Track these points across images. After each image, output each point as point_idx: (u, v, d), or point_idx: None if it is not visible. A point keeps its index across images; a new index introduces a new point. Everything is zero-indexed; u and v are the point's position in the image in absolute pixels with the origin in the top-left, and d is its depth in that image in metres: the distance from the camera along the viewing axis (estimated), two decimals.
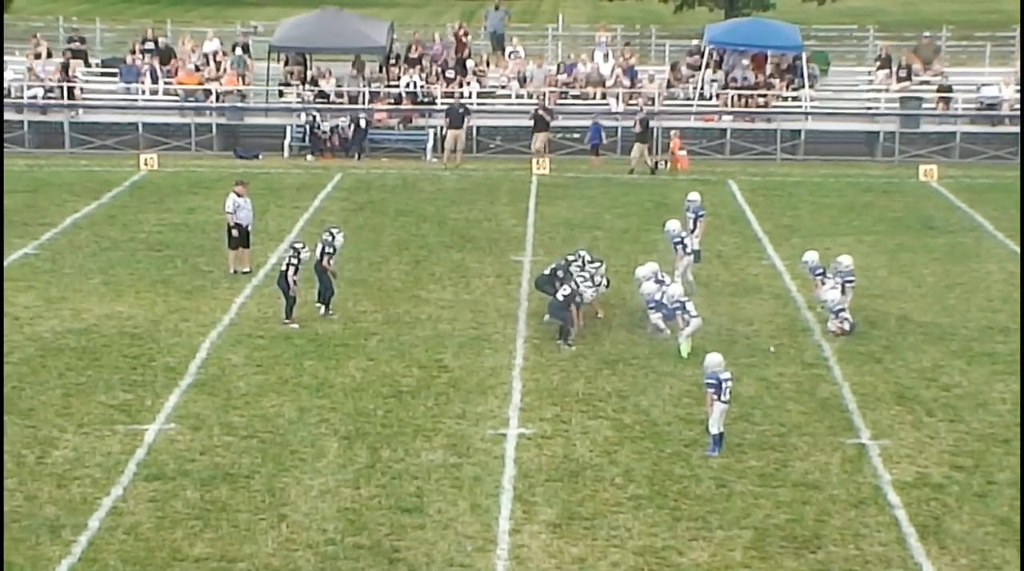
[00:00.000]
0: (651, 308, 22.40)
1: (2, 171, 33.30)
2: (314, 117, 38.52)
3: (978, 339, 22.46)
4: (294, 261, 22.98)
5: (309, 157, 38.22)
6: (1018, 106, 38.94)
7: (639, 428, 18.75)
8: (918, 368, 21.24)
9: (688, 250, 24.74)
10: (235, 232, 25.94)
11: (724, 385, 17.84)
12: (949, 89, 39.97)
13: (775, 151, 39.46)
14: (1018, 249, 28.39)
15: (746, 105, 40.02)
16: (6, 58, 41.21)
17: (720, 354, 18.29)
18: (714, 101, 40.22)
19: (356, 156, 38.13)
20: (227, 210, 26.11)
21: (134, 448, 17.80)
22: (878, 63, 41.69)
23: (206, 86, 40.06)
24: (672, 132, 38.08)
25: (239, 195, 26.08)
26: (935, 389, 20.36)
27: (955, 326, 23.21)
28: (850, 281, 23.14)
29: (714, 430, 17.92)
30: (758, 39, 41.06)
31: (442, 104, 38.98)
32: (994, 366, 21.29)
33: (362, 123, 38.43)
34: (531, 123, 38.01)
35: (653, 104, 38.99)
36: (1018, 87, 39.37)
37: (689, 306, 21.78)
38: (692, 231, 26.08)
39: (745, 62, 40.74)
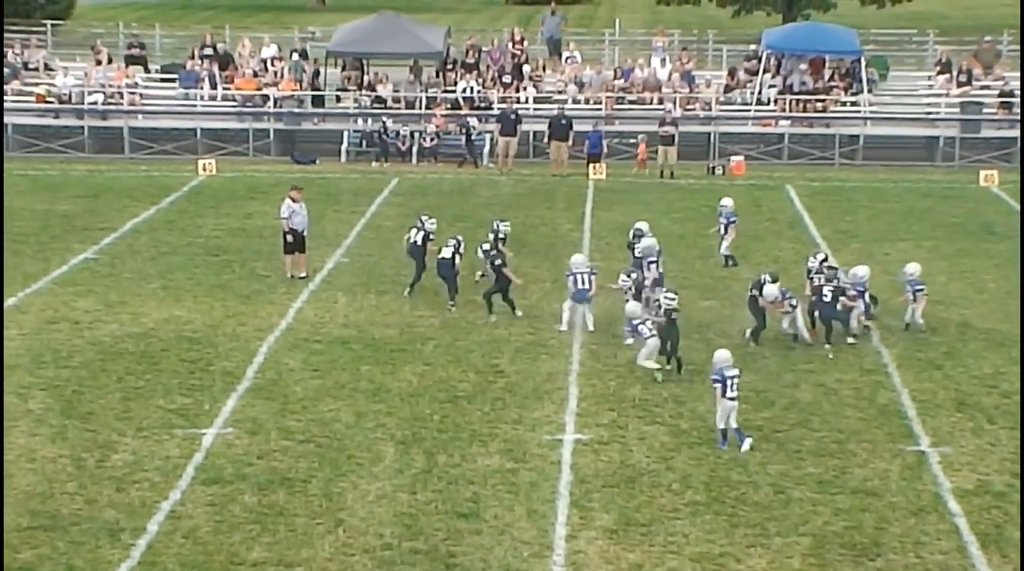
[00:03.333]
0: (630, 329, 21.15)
1: (1, 176, 33.60)
2: (384, 123, 38.59)
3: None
4: (460, 250, 24.27)
5: (374, 163, 38.26)
6: None
7: (696, 434, 18.68)
8: (979, 375, 21.02)
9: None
10: (290, 237, 26.07)
11: (729, 382, 17.93)
12: (1010, 94, 39.56)
13: (834, 156, 39.22)
14: None
15: (804, 110, 39.78)
16: (67, 64, 41.72)
17: (727, 351, 18.38)
18: (772, 106, 40.02)
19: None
20: (282, 215, 26.25)
21: (192, 452, 17.93)
22: (938, 68, 41.35)
23: (264, 92, 40.28)
24: (640, 137, 37.64)
25: (294, 200, 26.21)
26: (996, 396, 20.14)
27: (1016, 332, 22.93)
28: (920, 288, 22.97)
29: (720, 425, 18.02)
30: (816, 44, 40.82)
31: (497, 110, 39.01)
32: None
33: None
34: (548, 130, 37.41)
35: (673, 108, 38.53)
36: None
37: (643, 328, 20.80)
38: (723, 237, 26.53)
39: (803, 67, 40.51)
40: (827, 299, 22.32)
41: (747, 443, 18.07)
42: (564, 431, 18.76)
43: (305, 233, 26.35)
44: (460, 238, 24.91)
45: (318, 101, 40.72)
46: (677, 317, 20.69)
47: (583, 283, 23.04)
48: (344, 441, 18.34)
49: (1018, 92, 39.52)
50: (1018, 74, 41.25)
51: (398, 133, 38.70)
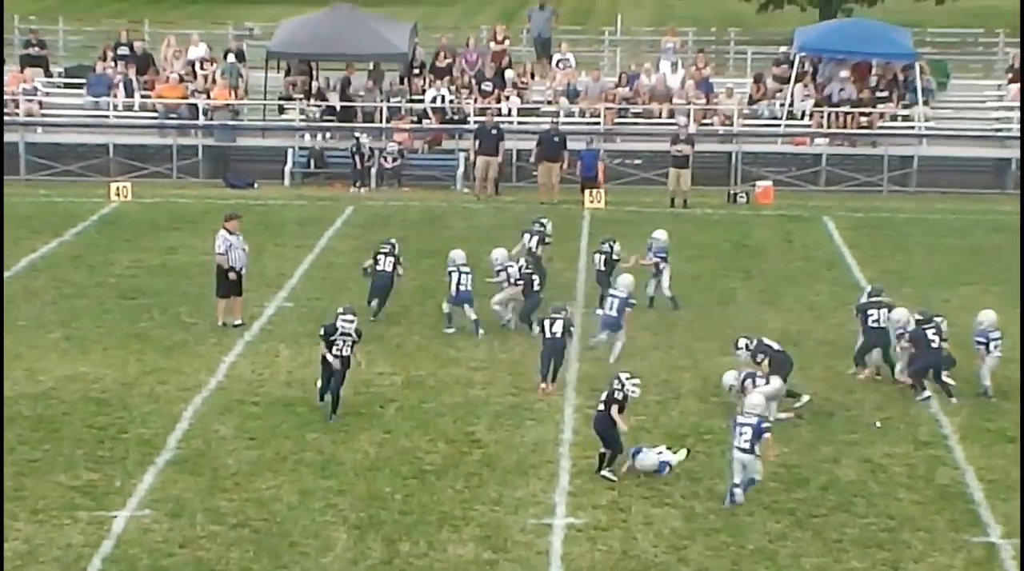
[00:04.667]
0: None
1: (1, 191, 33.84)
2: (357, 139, 38.72)
3: None
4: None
5: (360, 189, 38.33)
6: None
7: (714, 518, 18.68)
8: None
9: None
10: (231, 275, 26.11)
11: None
12: None
13: (882, 181, 39.46)
14: None
15: (845, 126, 40.05)
16: None
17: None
18: (806, 120, 40.29)
19: (361, 184, 38.41)
20: (218, 251, 26.28)
21: (100, 539, 17.86)
22: (1009, 75, 41.67)
23: (191, 101, 40.43)
24: (601, 152, 37.94)
25: (231, 232, 26.25)
26: None
27: None
28: (997, 341, 23.11)
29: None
30: (860, 45, 41.12)
31: (474, 123, 39.21)
32: None
33: (363, 150, 38.61)
34: (537, 148, 37.68)
35: (688, 122, 38.86)
36: None
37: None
38: (658, 275, 27.55)
39: (844, 73, 40.79)
40: (935, 345, 22.86)
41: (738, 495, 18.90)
42: (554, 514, 18.73)
43: (244, 272, 26.40)
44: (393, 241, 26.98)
45: (256, 112, 40.89)
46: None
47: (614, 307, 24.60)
48: (286, 525, 18.29)
49: None
50: None
51: (376, 151, 38.79)
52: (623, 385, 19.93)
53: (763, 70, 42.46)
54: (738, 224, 35.11)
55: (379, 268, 26.80)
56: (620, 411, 19.83)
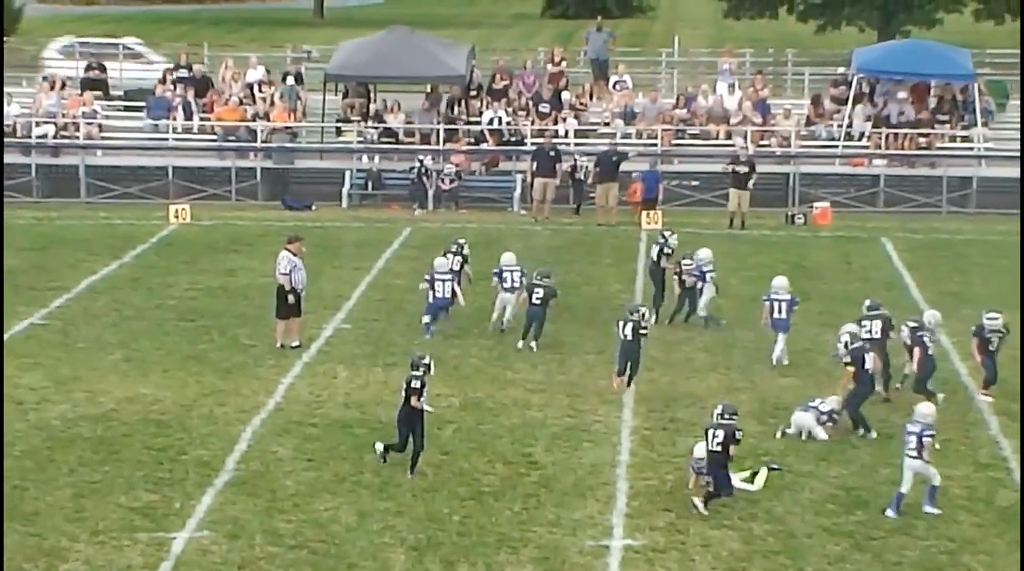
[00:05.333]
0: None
1: (1, 214, 34.05)
2: (421, 161, 38.88)
3: None
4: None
5: (417, 210, 38.55)
6: None
7: (772, 540, 18.63)
8: None
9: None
10: (291, 297, 26.23)
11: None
12: None
13: (940, 202, 39.28)
14: None
15: (904, 147, 39.91)
16: (11, 90, 42.16)
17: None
18: (864, 142, 40.17)
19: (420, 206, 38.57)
20: (282, 271, 26.35)
21: (159, 561, 17.96)
22: None
23: (250, 123, 40.69)
24: (634, 175, 37.84)
25: (294, 254, 26.40)
26: None
27: None
28: None
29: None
30: (919, 66, 40.99)
31: (532, 145, 39.28)
32: None
33: (426, 170, 38.74)
34: (596, 169, 37.76)
35: (746, 143, 38.81)
36: None
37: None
38: (699, 292, 27.81)
39: (903, 94, 40.66)
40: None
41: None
42: (611, 536, 18.71)
43: (303, 293, 26.52)
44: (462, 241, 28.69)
45: (314, 134, 41.10)
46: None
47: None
48: (344, 547, 18.34)
49: None
50: None
51: (435, 173, 38.90)
52: (734, 422, 19.45)
53: (821, 91, 42.36)
54: (796, 245, 35.00)
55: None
56: (736, 445, 19.38)
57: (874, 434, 22.16)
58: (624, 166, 37.82)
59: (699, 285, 27.77)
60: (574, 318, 28.34)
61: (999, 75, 44.24)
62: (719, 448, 19.31)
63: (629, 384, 24.06)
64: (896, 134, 39.94)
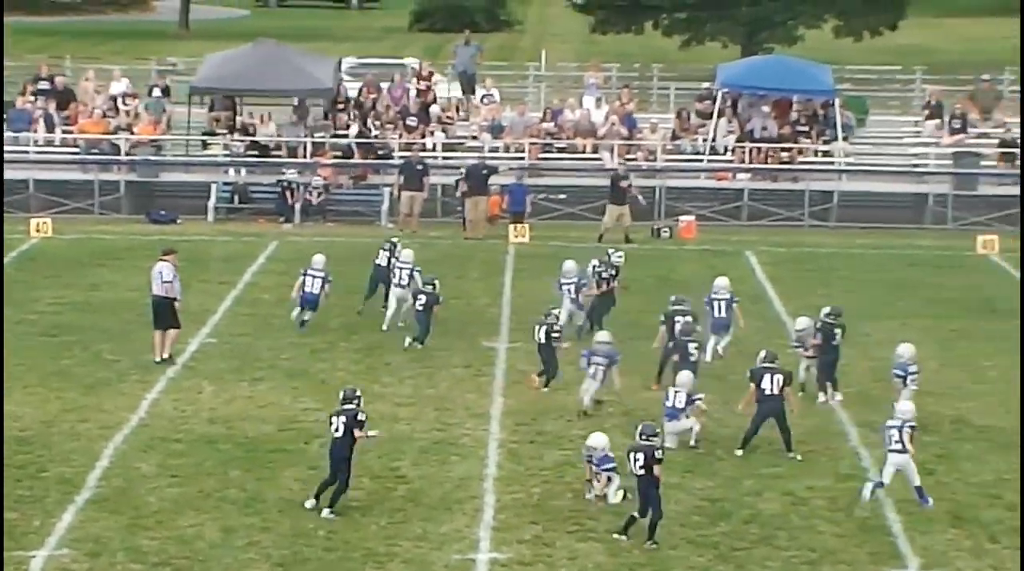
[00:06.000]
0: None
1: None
2: (285, 176, 38.59)
3: None
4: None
5: (284, 224, 38.25)
6: None
7: (637, 553, 18.70)
8: (978, 482, 21.30)
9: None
10: (178, 305, 26.18)
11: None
12: (1013, 143, 40.37)
13: (803, 216, 39.75)
14: None
15: (767, 161, 40.36)
16: None
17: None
18: (728, 156, 40.55)
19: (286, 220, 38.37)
20: (165, 279, 26.14)
21: None
22: (927, 111, 42.14)
23: (113, 136, 40.19)
24: (493, 187, 37.93)
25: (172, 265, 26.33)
26: (999, 508, 20.40)
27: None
28: (914, 374, 23.36)
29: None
30: (781, 81, 41.49)
31: (400, 158, 39.22)
32: None
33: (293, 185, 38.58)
34: (465, 183, 37.63)
35: (614, 158, 39.12)
36: None
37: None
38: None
39: (766, 109, 41.15)
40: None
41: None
42: (478, 549, 18.72)
43: (179, 305, 26.32)
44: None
45: (179, 147, 40.70)
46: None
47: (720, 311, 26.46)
48: (208, 563, 18.17)
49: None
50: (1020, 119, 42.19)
51: (302, 187, 38.66)
52: (654, 443, 19.29)
53: (686, 106, 42.73)
54: (662, 259, 35.22)
55: (377, 262, 29.37)
56: (660, 466, 19.12)
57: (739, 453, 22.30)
58: (493, 179, 37.90)
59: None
60: (443, 332, 28.26)
61: (859, 91, 44.95)
62: (642, 471, 19.11)
63: (546, 386, 24.80)
64: (759, 148, 40.38)
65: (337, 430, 19.88)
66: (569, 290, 27.99)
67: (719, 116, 40.85)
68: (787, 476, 21.33)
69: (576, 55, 60.52)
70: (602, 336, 24.43)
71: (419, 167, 38.05)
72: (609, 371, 23.83)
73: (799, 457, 22.00)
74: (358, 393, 20.38)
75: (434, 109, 41.56)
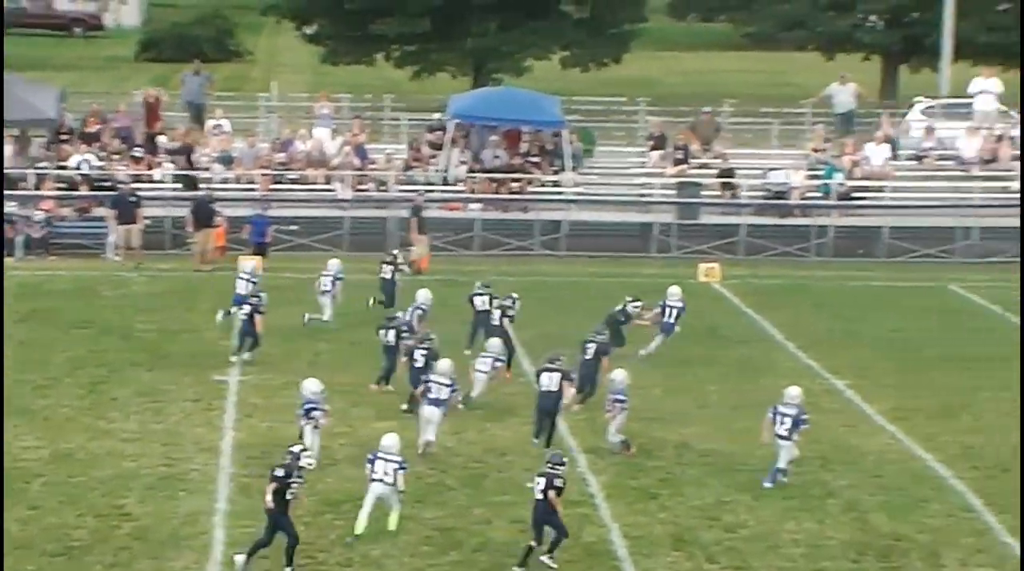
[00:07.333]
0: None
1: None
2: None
3: (767, 470, 23.14)
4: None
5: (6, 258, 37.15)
6: (808, 194, 41.00)
7: None
8: (699, 505, 21.82)
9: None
10: None
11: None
12: (732, 174, 41.52)
13: (533, 245, 40.20)
14: (812, 362, 29.67)
15: (498, 191, 40.78)
16: None
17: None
18: (460, 186, 40.86)
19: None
20: None
21: None
22: (651, 142, 43.09)
23: None
24: (217, 219, 37.86)
25: None
26: (718, 530, 20.95)
27: (742, 455, 23.91)
28: (621, 401, 23.72)
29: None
30: (511, 112, 42.05)
31: (116, 191, 38.42)
32: (785, 502, 22.05)
33: None
34: (193, 215, 37.40)
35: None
36: (808, 173, 41.35)
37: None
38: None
39: (496, 139, 41.59)
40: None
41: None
42: None
43: None
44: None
45: None
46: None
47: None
48: None
49: (743, 172, 41.48)
50: (741, 150, 43.41)
51: (23, 219, 37.63)
52: (559, 472, 19.55)
53: (418, 136, 42.93)
54: (400, 290, 35.17)
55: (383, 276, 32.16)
56: (558, 495, 19.42)
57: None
58: (236, 211, 37.59)
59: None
60: (171, 365, 27.98)
61: (586, 122, 45.67)
62: (542, 495, 19.34)
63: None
64: (491, 179, 40.79)
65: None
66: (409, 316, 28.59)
67: (451, 146, 41.14)
68: (516, 503, 21.49)
69: (307, 86, 60.29)
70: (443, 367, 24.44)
71: (132, 199, 37.49)
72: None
73: (531, 484, 22.19)
74: (295, 449, 19.71)
75: (162, 139, 40.99)
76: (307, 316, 30.88)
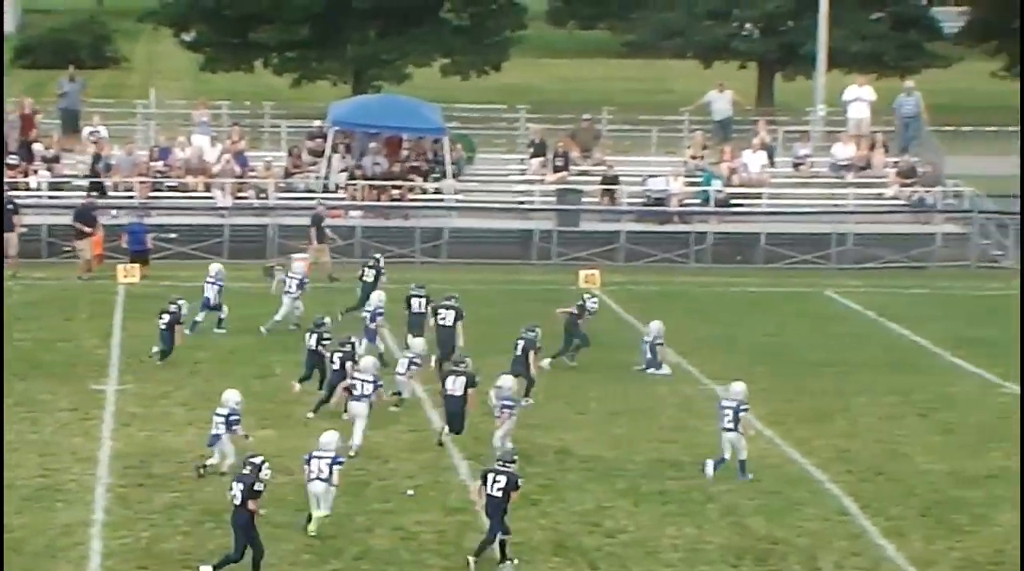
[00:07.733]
0: None
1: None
2: None
3: (647, 475, 23.38)
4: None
5: None
6: (687, 201, 41.38)
7: None
8: (580, 511, 21.96)
9: None
10: None
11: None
12: (613, 180, 41.79)
13: (414, 253, 40.18)
14: (691, 368, 29.97)
15: (378, 198, 40.74)
16: None
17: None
18: (341, 194, 40.77)
19: None
20: None
21: None
22: (531, 150, 43.24)
23: None
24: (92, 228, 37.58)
25: None
26: (598, 536, 21.10)
27: (621, 461, 24.14)
28: (509, 406, 23.84)
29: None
30: (391, 119, 42.07)
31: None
32: (665, 507, 22.26)
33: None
34: (75, 223, 37.11)
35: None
36: (687, 180, 41.73)
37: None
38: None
39: (375, 146, 41.55)
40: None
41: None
42: None
43: None
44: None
45: None
46: None
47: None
48: None
49: (624, 179, 41.73)
50: (621, 157, 43.66)
51: None
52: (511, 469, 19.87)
53: (298, 144, 42.76)
54: (276, 301, 34.98)
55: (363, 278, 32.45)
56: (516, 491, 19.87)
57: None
58: (115, 219, 37.25)
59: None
60: (48, 375, 27.72)
61: (467, 129, 45.74)
62: (499, 493, 19.55)
63: (300, 381, 26.78)
64: (371, 186, 40.73)
65: (235, 498, 18.99)
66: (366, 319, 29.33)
67: (331, 153, 41.04)
68: (397, 511, 21.58)
69: (186, 93, 59.93)
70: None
71: (10, 207, 37.02)
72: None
73: (411, 492, 22.25)
74: (257, 461, 19.44)
75: (37, 147, 40.50)
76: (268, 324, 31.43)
